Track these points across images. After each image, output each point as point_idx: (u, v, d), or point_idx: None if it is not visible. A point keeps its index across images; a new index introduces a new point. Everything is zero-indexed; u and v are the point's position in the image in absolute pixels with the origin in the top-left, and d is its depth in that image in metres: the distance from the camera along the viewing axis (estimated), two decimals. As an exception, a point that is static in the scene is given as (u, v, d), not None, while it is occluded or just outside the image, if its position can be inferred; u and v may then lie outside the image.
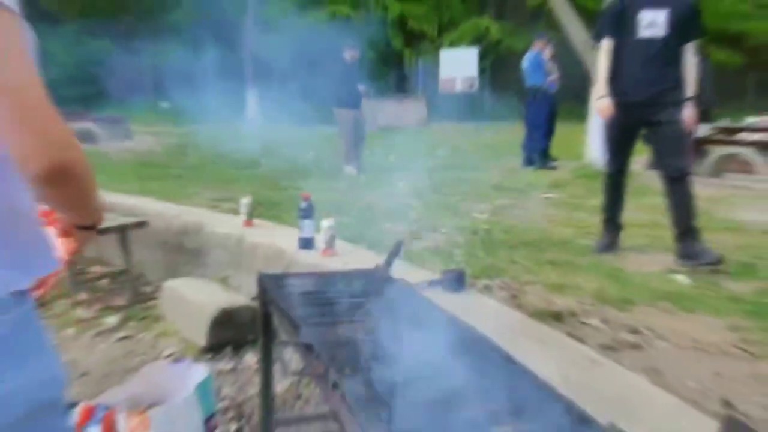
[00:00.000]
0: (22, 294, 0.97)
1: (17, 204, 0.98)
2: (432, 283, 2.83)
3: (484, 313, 2.64)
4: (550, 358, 2.20)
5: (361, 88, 8.38)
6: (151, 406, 2.12)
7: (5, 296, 0.94)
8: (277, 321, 1.83)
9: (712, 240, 4.72)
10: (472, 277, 3.30)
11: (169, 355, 2.78)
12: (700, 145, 8.62)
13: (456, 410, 1.14)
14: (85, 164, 0.97)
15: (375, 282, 2.00)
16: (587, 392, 1.90)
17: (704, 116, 8.59)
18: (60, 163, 0.91)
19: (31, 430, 0.96)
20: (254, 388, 2.73)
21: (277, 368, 2.46)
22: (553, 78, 9.22)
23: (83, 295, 4.01)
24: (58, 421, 1.05)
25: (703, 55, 8.37)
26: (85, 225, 1.19)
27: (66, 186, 0.97)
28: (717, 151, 8.57)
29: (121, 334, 3.43)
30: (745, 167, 8.37)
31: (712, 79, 8.41)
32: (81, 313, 3.75)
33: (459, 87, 14.77)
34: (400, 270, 2.33)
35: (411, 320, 1.61)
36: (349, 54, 8.22)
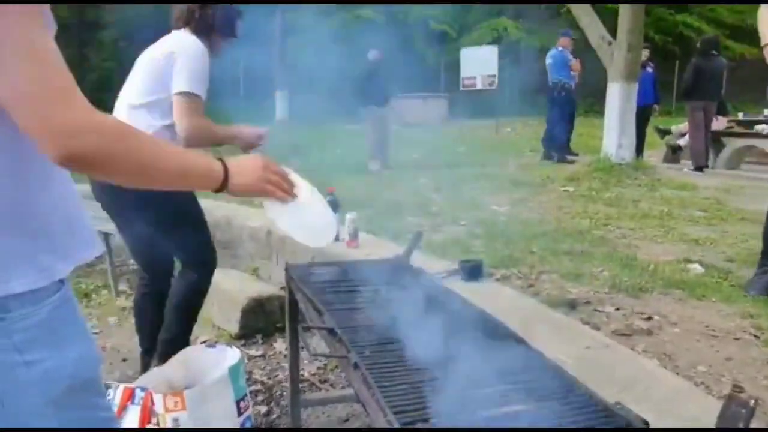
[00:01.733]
0: (60, 280, 1.00)
1: (44, 194, 0.99)
2: (451, 273, 2.94)
3: (501, 300, 2.74)
4: (563, 343, 2.29)
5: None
6: (186, 387, 2.26)
7: (48, 284, 0.97)
8: (303, 308, 1.94)
9: (726, 230, 4.77)
10: (490, 267, 3.41)
11: (203, 342, 2.93)
12: (718, 138, 8.62)
13: (471, 388, 1.23)
14: (108, 146, 0.92)
15: (395, 271, 2.12)
16: (599, 374, 1.99)
17: (721, 109, 8.58)
18: (69, 152, 0.88)
19: (71, 405, 1.00)
20: (283, 373, 2.87)
21: (304, 353, 2.61)
22: (575, 74, 9.31)
23: (124, 286, 4.20)
24: (96, 399, 1.08)
25: (717, 50, 8.35)
26: (209, 189, 1.15)
27: (96, 170, 0.95)
28: (734, 143, 8.55)
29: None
30: (762, 159, 8.34)
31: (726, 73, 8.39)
32: (122, 302, 3.93)
33: (480, 85, 14.81)
34: (420, 260, 2.45)
35: (426, 305, 1.74)
36: (374, 55, 8.44)
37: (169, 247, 2.64)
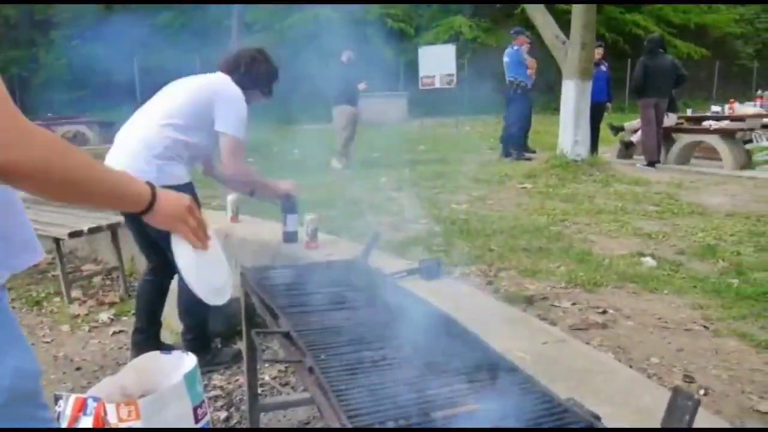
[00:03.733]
0: None
1: None
2: (410, 272, 2.94)
3: (460, 298, 2.75)
4: (521, 339, 2.31)
5: (362, 86, 8.75)
6: (141, 396, 2.20)
7: None
8: (259, 312, 1.92)
9: (677, 223, 4.92)
10: (450, 264, 3.43)
11: (169, 346, 2.87)
12: (669, 134, 8.88)
13: (427, 388, 1.23)
14: (40, 160, 0.89)
15: (352, 272, 2.11)
16: (555, 369, 2.02)
17: (671, 106, 8.84)
18: (3, 161, 0.85)
19: (10, 418, 0.97)
20: (243, 377, 2.83)
21: (265, 356, 2.57)
22: (531, 73, 9.45)
23: (77, 293, 4.08)
24: (36, 412, 1.05)
25: (663, 49, 8.60)
26: (133, 212, 1.18)
27: (27, 183, 0.91)
28: (684, 139, 8.83)
29: (114, 329, 3.51)
30: (711, 154, 8.63)
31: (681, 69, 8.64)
32: (75, 309, 3.82)
33: (438, 83, 14.90)
34: (379, 260, 2.45)
35: (383, 306, 1.74)
36: (347, 55, 8.54)
37: (167, 249, 2.71)
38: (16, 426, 0.99)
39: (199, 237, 1.33)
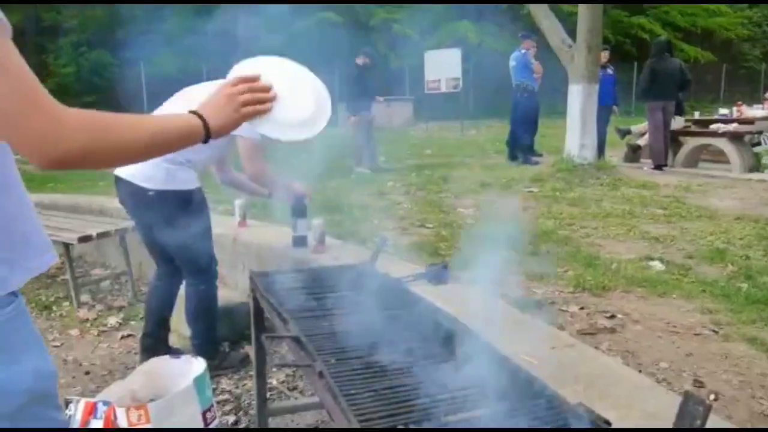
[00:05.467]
0: (12, 292, 0.99)
1: (6, 203, 0.99)
2: (417, 276, 2.94)
3: (467, 303, 2.75)
4: (529, 343, 2.31)
5: (380, 99, 8.90)
6: (151, 400, 2.21)
7: (1, 297, 0.96)
8: (268, 316, 1.92)
9: (686, 227, 4.90)
10: (457, 269, 3.42)
11: (177, 351, 2.88)
12: (676, 137, 8.86)
13: (437, 393, 1.23)
14: (92, 141, 0.93)
15: (360, 276, 2.11)
16: (563, 374, 2.02)
17: (678, 109, 8.82)
18: (56, 158, 0.89)
19: (27, 420, 0.98)
20: (251, 381, 2.84)
21: (274, 360, 2.58)
22: (537, 77, 9.45)
23: (86, 297, 4.10)
24: (52, 413, 1.05)
25: (670, 52, 8.59)
26: (198, 142, 1.14)
27: (88, 165, 0.95)
28: (691, 142, 8.79)
29: (123, 333, 3.53)
30: (719, 157, 8.59)
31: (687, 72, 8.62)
32: (84, 314, 3.84)
33: (444, 87, 14.90)
34: (387, 264, 2.45)
35: (392, 311, 1.74)
36: (362, 60, 8.56)
37: (175, 255, 2.87)
38: (34, 426, 1.00)
39: (263, 101, 1.23)
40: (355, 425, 1.11)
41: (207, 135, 1.14)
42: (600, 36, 7.97)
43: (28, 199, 1.05)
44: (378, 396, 1.22)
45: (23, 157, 0.91)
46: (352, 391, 1.23)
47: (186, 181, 2.70)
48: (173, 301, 3.02)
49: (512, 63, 9.56)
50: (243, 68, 1.32)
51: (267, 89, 1.24)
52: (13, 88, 0.87)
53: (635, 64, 19.97)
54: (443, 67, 14.70)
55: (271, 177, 2.99)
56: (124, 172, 2.70)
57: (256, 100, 1.22)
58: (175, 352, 2.77)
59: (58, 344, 3.40)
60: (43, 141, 0.88)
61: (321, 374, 1.32)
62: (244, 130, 2.69)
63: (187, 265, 2.88)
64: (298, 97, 1.30)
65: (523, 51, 9.51)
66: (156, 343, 2.96)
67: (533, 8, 8.84)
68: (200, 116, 1.14)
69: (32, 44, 19.16)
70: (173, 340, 3.13)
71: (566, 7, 9.84)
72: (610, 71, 9.47)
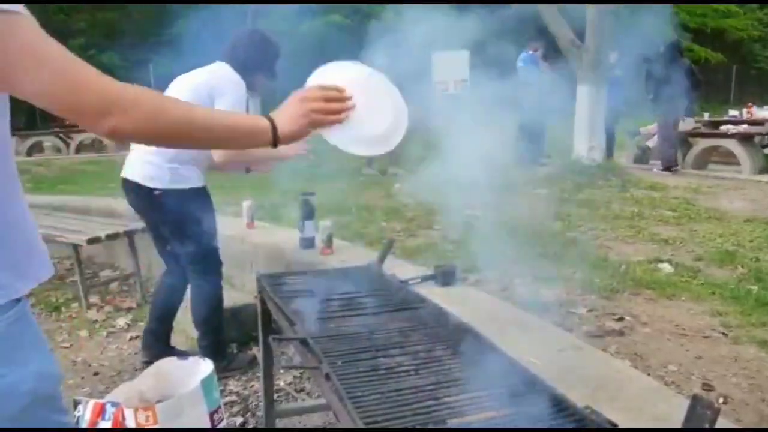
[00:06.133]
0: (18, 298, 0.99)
1: (9, 211, 0.99)
2: (425, 278, 2.94)
3: (475, 305, 2.74)
4: (536, 346, 2.30)
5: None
6: (159, 401, 2.22)
7: (3, 303, 0.96)
8: (275, 318, 1.93)
9: (695, 229, 4.87)
10: (464, 271, 3.42)
11: (177, 353, 2.89)
12: (685, 138, 8.81)
13: (444, 396, 1.24)
14: (141, 121, 0.98)
15: (368, 278, 2.12)
16: (571, 376, 2.01)
17: (687, 110, 8.76)
18: (105, 131, 0.97)
19: (29, 422, 0.99)
20: (259, 383, 2.84)
21: (282, 362, 2.59)
22: (545, 77, 9.42)
23: (95, 298, 4.12)
24: (55, 416, 1.05)
25: (680, 53, 8.54)
26: (264, 144, 1.15)
27: (136, 141, 1.06)
28: (701, 144, 8.74)
29: (132, 334, 3.54)
30: (728, 158, 8.54)
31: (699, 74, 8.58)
32: (93, 315, 3.86)
33: (452, 89, 14.86)
34: (394, 266, 2.45)
35: (399, 313, 1.74)
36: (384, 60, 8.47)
37: (180, 254, 2.89)
38: (35, 427, 1.00)
39: (335, 111, 1.21)
40: (361, 427, 1.11)
41: (275, 139, 1.14)
42: (609, 38, 7.94)
43: (28, 210, 1.07)
44: (384, 398, 1.22)
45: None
46: (359, 394, 1.24)
47: (191, 179, 2.70)
48: (178, 299, 3.03)
49: (519, 64, 9.55)
50: (327, 72, 1.30)
51: (343, 99, 1.23)
52: (56, 74, 0.91)
53: (644, 65, 19.85)
54: (451, 68, 14.70)
55: (243, 156, 2.76)
56: (129, 173, 2.72)
57: (328, 110, 1.21)
58: (178, 353, 2.79)
59: (67, 345, 3.42)
60: (95, 118, 0.95)
61: (327, 376, 1.33)
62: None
63: (192, 265, 2.88)
64: (375, 111, 1.28)
65: (530, 52, 9.50)
66: (156, 341, 2.98)
67: (542, 9, 8.82)
68: (271, 120, 1.15)
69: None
70: (180, 341, 3.14)
71: (574, 8, 9.81)
72: (619, 72, 9.42)
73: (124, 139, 1.02)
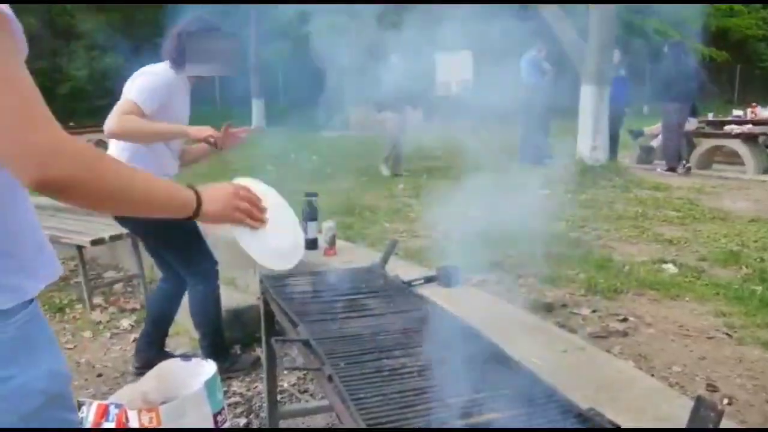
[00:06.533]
0: (27, 300, 1.00)
1: (16, 214, 0.99)
2: (428, 279, 2.93)
3: (478, 306, 2.74)
4: (540, 347, 2.30)
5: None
6: (162, 402, 2.22)
7: (13, 306, 0.96)
8: (278, 319, 1.93)
9: (699, 229, 4.85)
10: (467, 272, 3.41)
11: (180, 354, 2.89)
12: (690, 138, 8.79)
13: (447, 397, 1.23)
14: (82, 172, 0.92)
15: (370, 279, 2.12)
16: (575, 377, 2.00)
17: (692, 110, 8.74)
18: (43, 177, 0.88)
19: (42, 421, 0.99)
20: (262, 384, 2.84)
21: (284, 364, 2.59)
22: (548, 78, 9.41)
23: (98, 299, 4.13)
24: (66, 415, 1.06)
25: (685, 53, 8.52)
26: (181, 217, 1.17)
27: (70, 196, 0.93)
28: (705, 144, 8.72)
29: (135, 335, 3.53)
30: (732, 159, 8.51)
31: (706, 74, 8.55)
32: (97, 316, 3.86)
33: (455, 89, 14.85)
34: (397, 267, 2.45)
35: (402, 314, 1.74)
36: (393, 59, 8.32)
37: (168, 257, 2.88)
38: (49, 427, 1.01)
39: (255, 217, 1.31)
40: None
41: (195, 214, 1.18)
42: (612, 37, 7.93)
43: (34, 208, 1.07)
44: (387, 400, 1.22)
45: (11, 172, 0.90)
46: (361, 395, 1.23)
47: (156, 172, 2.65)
48: (174, 305, 3.01)
49: (523, 65, 9.54)
50: (247, 182, 1.40)
51: (263, 210, 1.33)
52: (16, 104, 0.87)
53: (647, 65, 19.82)
54: (454, 68, 14.69)
55: (139, 128, 2.60)
56: None
57: (252, 214, 1.30)
58: (174, 356, 2.78)
59: (71, 346, 3.43)
60: (34, 161, 0.87)
61: (330, 378, 1.33)
62: (132, 94, 2.56)
63: (182, 268, 2.87)
64: (282, 230, 1.43)
65: (533, 52, 9.48)
66: (149, 345, 2.96)
67: (544, 9, 8.82)
68: (198, 197, 1.18)
69: (47, 48, 19.37)
70: (184, 343, 3.15)
71: (578, 7, 9.81)
72: (623, 72, 9.41)
73: (56, 191, 0.91)
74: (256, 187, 1.37)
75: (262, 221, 1.32)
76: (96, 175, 0.95)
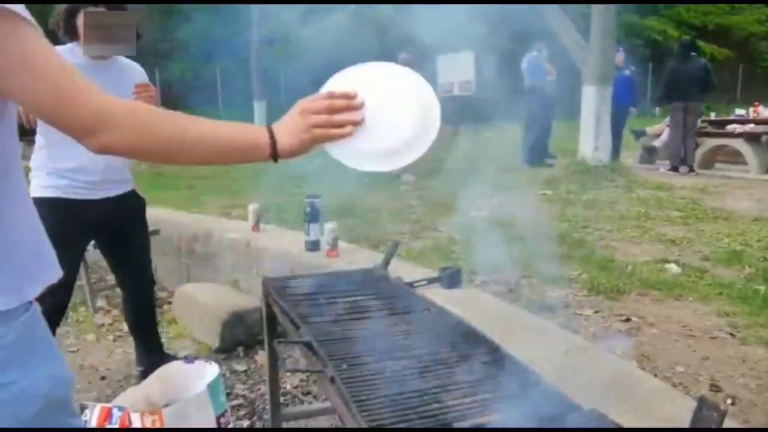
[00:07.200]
0: (28, 302, 1.00)
1: (16, 216, 0.99)
2: (430, 280, 2.94)
3: (481, 307, 2.74)
4: (542, 347, 2.29)
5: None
6: (165, 405, 2.23)
7: (14, 307, 0.96)
8: (281, 321, 1.93)
9: (702, 229, 4.85)
10: (470, 273, 3.41)
11: (183, 357, 2.90)
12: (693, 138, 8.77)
13: (449, 399, 1.23)
14: (132, 138, 0.96)
15: (372, 281, 2.12)
16: (577, 378, 2.00)
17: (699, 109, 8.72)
18: (94, 147, 0.95)
19: (45, 425, 1.00)
20: (265, 386, 2.84)
21: (287, 366, 2.59)
22: (550, 78, 9.41)
23: (101, 302, 4.13)
24: (67, 419, 1.06)
25: (695, 52, 8.49)
26: (263, 159, 1.05)
27: (131, 157, 1.04)
28: (707, 143, 8.71)
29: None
30: (735, 158, 8.50)
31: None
32: (100, 319, 3.86)
33: (457, 90, 14.83)
34: (399, 268, 2.45)
35: (404, 315, 1.74)
36: (403, 57, 8.00)
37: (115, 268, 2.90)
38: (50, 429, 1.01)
39: (340, 124, 1.08)
40: (366, 431, 1.11)
41: (274, 154, 1.05)
42: (613, 38, 7.93)
43: (36, 212, 1.07)
44: (389, 402, 1.22)
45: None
46: (363, 397, 1.23)
47: (36, 187, 2.46)
48: (145, 308, 2.95)
49: (524, 65, 9.53)
50: (346, 74, 1.16)
51: (351, 108, 1.09)
52: (46, 85, 0.90)
53: (649, 65, 19.79)
54: (456, 69, 14.66)
55: None
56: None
57: (332, 123, 1.08)
58: (174, 359, 2.77)
59: (75, 349, 3.43)
60: (84, 134, 0.93)
61: (332, 379, 1.33)
62: None
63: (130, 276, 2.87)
64: (393, 119, 1.11)
65: (535, 53, 9.48)
66: (147, 353, 2.92)
67: (545, 10, 8.81)
68: (271, 133, 1.05)
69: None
70: (186, 345, 3.15)
71: (579, 8, 9.81)
72: (627, 72, 9.39)
73: (116, 155, 0.99)
74: (348, 78, 1.13)
75: (347, 129, 1.08)
76: (149, 129, 0.98)
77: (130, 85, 2.46)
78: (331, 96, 1.10)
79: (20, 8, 0.89)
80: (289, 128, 1.06)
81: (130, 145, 0.96)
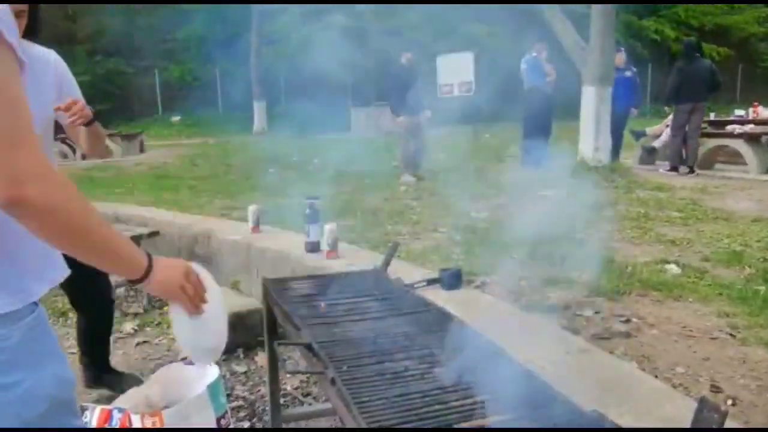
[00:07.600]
0: (33, 302, 1.03)
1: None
2: (430, 281, 2.94)
3: (481, 308, 2.74)
4: (543, 348, 2.30)
5: (427, 113, 8.26)
6: (165, 406, 2.23)
7: (19, 308, 0.99)
8: (281, 323, 1.93)
9: (702, 229, 4.85)
10: (470, 274, 3.41)
11: (184, 358, 2.89)
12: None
13: (450, 400, 1.24)
14: (51, 198, 0.91)
15: (372, 282, 2.12)
16: (578, 379, 2.00)
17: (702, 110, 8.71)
18: (19, 195, 0.87)
19: (49, 426, 1.01)
20: (265, 388, 2.84)
21: (287, 367, 2.59)
22: (550, 79, 9.40)
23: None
24: (71, 419, 1.08)
25: (700, 52, 8.47)
26: (127, 278, 1.13)
27: (34, 220, 0.92)
28: (707, 143, 8.71)
29: (139, 339, 3.55)
30: (735, 158, 8.50)
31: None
32: (99, 320, 3.86)
33: (456, 91, 14.83)
34: (399, 269, 2.45)
35: (404, 317, 1.74)
36: (406, 58, 7.99)
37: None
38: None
39: (195, 304, 1.26)
40: None
41: (143, 278, 1.13)
42: (612, 38, 7.94)
43: None
44: (390, 403, 1.22)
45: None
46: (364, 399, 1.24)
47: None
48: (95, 323, 3.01)
49: (523, 66, 9.53)
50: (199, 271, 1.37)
51: (204, 300, 1.28)
52: (10, 123, 0.88)
53: (648, 66, 19.80)
54: (456, 70, 14.65)
55: None
56: None
57: (193, 299, 1.25)
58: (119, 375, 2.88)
59: (75, 351, 3.43)
60: (14, 177, 0.87)
61: (333, 381, 1.33)
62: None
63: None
64: (213, 327, 1.37)
65: (534, 54, 9.48)
66: (91, 364, 2.96)
67: (546, 11, 8.82)
68: (150, 264, 1.14)
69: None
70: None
71: (579, 9, 9.83)
72: (629, 73, 9.39)
73: (24, 213, 0.91)
74: (207, 279, 1.34)
75: (199, 310, 1.28)
76: (70, 207, 0.95)
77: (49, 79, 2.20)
78: (200, 282, 1.27)
79: (5, 27, 0.87)
80: (168, 271, 1.18)
81: (52, 206, 0.92)
